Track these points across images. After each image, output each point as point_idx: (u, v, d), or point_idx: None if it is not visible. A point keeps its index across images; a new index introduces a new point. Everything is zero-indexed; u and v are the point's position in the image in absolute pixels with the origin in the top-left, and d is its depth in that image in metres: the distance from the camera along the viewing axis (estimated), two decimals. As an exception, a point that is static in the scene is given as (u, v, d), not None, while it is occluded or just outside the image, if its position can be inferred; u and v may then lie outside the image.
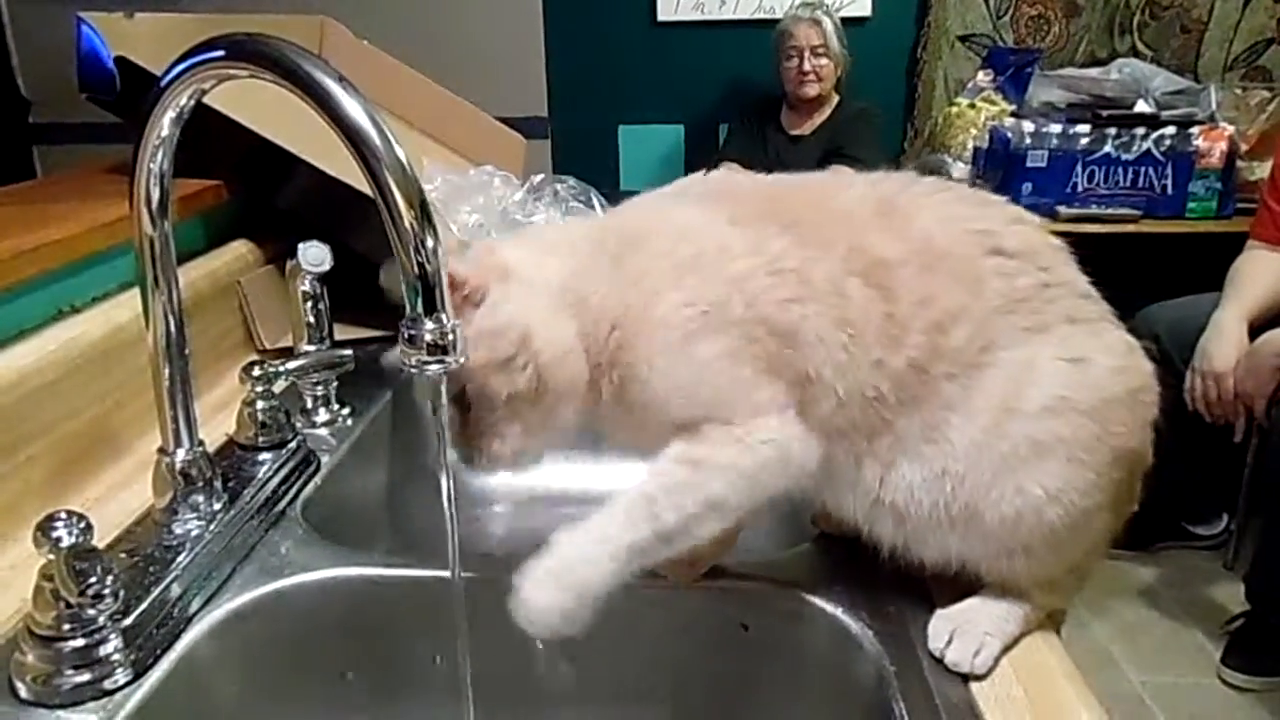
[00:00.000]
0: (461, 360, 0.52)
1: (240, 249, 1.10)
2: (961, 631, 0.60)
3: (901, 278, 0.59)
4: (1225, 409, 1.88)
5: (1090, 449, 0.58)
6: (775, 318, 0.58)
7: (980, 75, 2.92)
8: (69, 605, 0.56)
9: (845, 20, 2.87)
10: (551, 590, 0.56)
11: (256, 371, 0.81)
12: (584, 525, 0.58)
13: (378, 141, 0.50)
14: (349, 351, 0.93)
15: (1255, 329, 1.89)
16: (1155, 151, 2.53)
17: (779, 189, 0.66)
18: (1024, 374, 0.58)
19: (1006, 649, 0.60)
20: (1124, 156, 2.54)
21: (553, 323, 0.59)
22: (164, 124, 0.58)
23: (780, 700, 0.69)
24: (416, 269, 0.51)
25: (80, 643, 0.56)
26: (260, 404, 0.81)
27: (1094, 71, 2.85)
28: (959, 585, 0.63)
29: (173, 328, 0.65)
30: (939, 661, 0.59)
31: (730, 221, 0.61)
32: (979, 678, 0.58)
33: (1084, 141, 2.54)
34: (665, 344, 0.58)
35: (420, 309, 0.51)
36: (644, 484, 0.59)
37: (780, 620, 0.67)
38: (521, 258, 0.62)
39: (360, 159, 0.51)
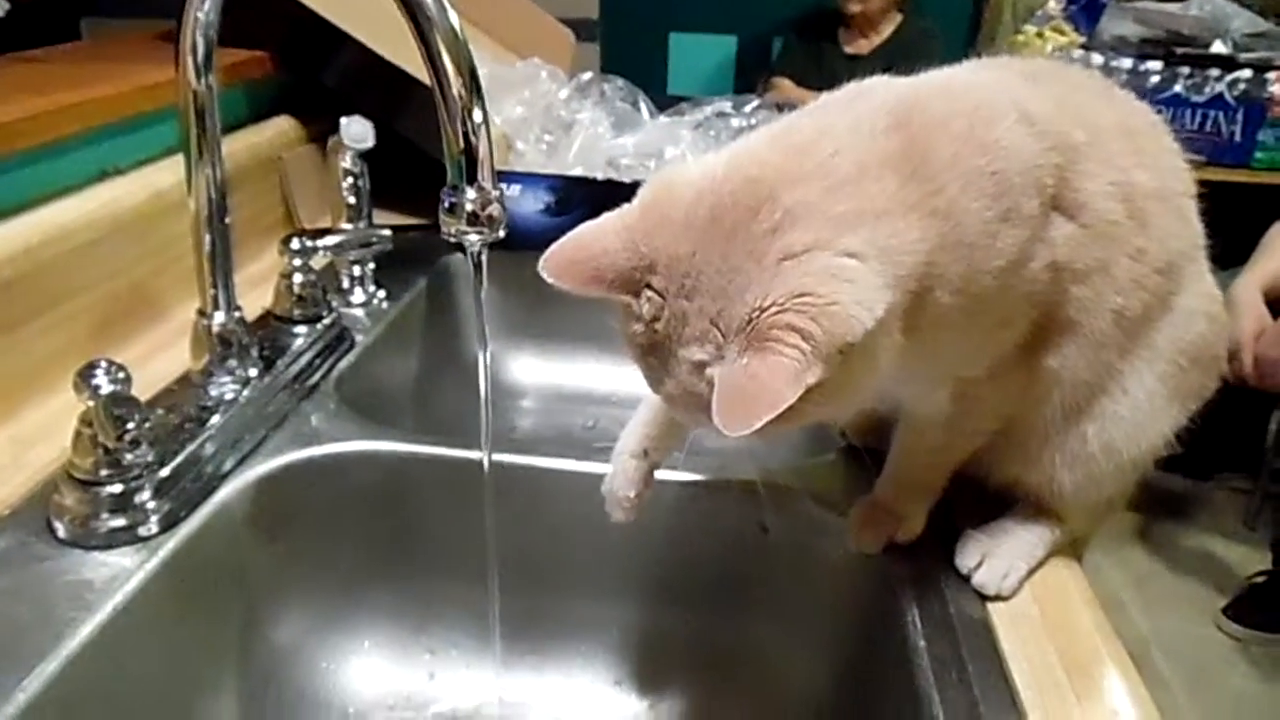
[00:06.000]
0: (500, 234, 0.52)
1: (283, 124, 1.09)
2: (993, 555, 0.59)
3: (1150, 210, 0.54)
4: (1247, 379, 1.87)
5: (1198, 398, 0.59)
6: None
7: (1051, 3, 2.79)
8: (107, 451, 0.57)
9: (914, -63, 2.75)
10: None
11: (295, 245, 0.81)
12: None
13: (431, 5, 0.49)
14: (387, 232, 0.93)
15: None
16: (1227, 95, 2.42)
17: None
18: (1185, 322, 0.57)
19: (1032, 572, 0.60)
20: (1194, 98, 2.43)
21: None
22: (213, -26, 0.57)
23: (794, 603, 0.70)
24: (462, 140, 0.50)
25: (117, 488, 0.58)
26: (298, 278, 0.81)
27: (1172, 6, 2.71)
28: (985, 499, 0.63)
29: (214, 192, 0.65)
30: (958, 575, 0.59)
31: None
32: (1004, 599, 0.58)
33: (1154, 80, 2.43)
34: None
35: (462, 179, 0.50)
36: None
37: (799, 525, 0.67)
38: None
39: (412, 21, 0.49)
